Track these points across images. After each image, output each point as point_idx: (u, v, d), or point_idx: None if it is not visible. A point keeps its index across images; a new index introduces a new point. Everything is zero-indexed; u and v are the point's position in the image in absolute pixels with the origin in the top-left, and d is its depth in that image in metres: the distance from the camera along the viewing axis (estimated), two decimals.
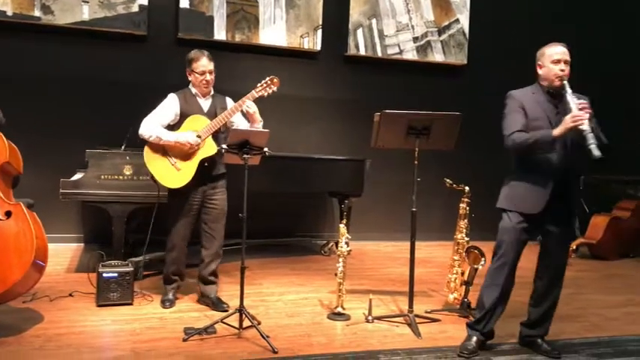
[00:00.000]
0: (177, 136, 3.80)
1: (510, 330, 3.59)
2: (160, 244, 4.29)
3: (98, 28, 5.92)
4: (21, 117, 5.69)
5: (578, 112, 3.01)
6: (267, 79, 3.87)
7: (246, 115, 3.91)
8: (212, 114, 3.89)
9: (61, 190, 4.42)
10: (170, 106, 3.91)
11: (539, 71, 3.29)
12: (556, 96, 3.24)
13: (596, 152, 2.93)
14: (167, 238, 4.00)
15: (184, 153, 3.82)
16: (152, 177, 3.90)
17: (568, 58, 3.21)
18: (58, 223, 5.76)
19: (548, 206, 3.19)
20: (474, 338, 3.34)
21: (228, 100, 4.02)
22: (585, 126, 2.98)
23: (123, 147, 4.73)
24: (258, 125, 3.89)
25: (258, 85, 3.87)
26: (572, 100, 3.07)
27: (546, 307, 3.39)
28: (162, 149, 3.85)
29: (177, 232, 3.94)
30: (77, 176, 4.60)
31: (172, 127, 3.90)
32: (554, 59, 3.20)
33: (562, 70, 3.17)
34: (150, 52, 6.18)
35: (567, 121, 3.03)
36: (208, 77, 3.89)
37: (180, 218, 3.92)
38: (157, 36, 6.19)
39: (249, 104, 3.81)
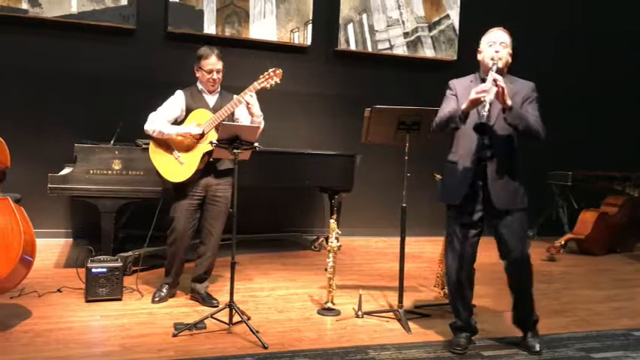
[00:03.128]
0: (178, 129, 3.78)
1: (499, 325, 3.61)
2: (154, 240, 4.28)
3: (86, 21, 5.85)
4: (9, 111, 5.69)
5: (484, 86, 2.98)
6: (270, 70, 3.79)
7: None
8: (218, 110, 3.80)
9: (49, 185, 4.39)
10: (176, 101, 3.88)
11: (479, 57, 3.27)
12: None
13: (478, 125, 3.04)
14: (168, 232, 3.95)
15: (188, 147, 3.79)
16: (157, 172, 3.87)
17: (505, 40, 3.18)
18: (46, 218, 5.72)
19: (475, 198, 3.18)
20: (463, 333, 3.33)
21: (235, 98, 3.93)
22: (488, 97, 2.94)
23: (112, 142, 4.70)
24: (256, 119, 3.84)
25: (261, 76, 3.79)
26: (491, 75, 3.02)
27: (520, 307, 3.34)
28: (166, 144, 3.83)
29: (178, 226, 3.89)
30: (65, 171, 4.56)
31: (179, 123, 3.87)
32: (488, 42, 3.19)
33: (496, 52, 3.14)
34: (139, 46, 6.12)
35: (471, 94, 3.02)
36: (215, 76, 3.84)
37: (182, 212, 3.88)
38: (146, 30, 6.12)
39: (248, 97, 3.75)
